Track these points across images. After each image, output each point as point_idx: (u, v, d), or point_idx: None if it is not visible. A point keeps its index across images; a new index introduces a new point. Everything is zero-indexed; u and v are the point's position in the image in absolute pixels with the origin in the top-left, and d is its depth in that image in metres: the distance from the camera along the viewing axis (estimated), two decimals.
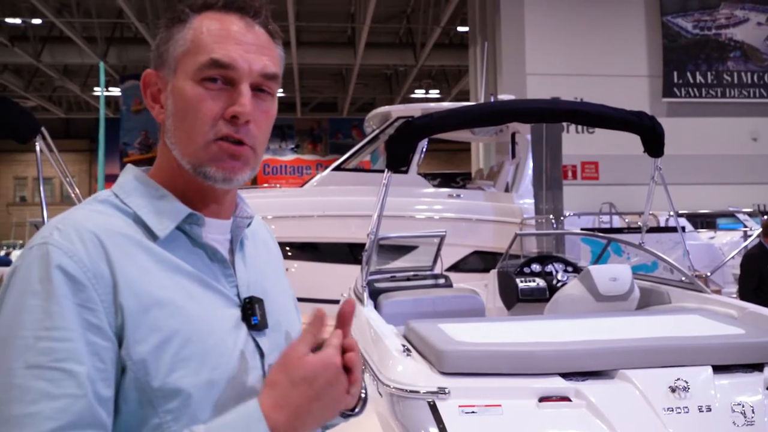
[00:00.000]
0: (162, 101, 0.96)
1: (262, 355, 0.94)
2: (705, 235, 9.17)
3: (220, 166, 0.91)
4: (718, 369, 2.35)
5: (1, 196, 31.10)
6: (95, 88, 21.85)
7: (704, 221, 11.96)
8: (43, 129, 2.97)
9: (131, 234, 0.88)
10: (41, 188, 3.26)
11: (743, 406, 2.23)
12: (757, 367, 2.40)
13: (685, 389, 2.23)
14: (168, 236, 0.90)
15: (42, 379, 0.77)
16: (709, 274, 6.50)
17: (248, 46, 0.92)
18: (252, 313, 0.93)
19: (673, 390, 2.23)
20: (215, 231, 0.97)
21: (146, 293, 0.85)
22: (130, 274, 0.85)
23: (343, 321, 0.94)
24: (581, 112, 3.45)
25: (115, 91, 21.09)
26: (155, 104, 0.97)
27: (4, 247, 22.23)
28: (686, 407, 2.20)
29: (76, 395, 0.77)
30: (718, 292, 6.09)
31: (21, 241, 24.78)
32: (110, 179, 20.98)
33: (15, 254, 20.53)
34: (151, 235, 0.90)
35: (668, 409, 2.20)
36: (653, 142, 3.59)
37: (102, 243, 0.85)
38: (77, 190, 3.67)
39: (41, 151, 3.22)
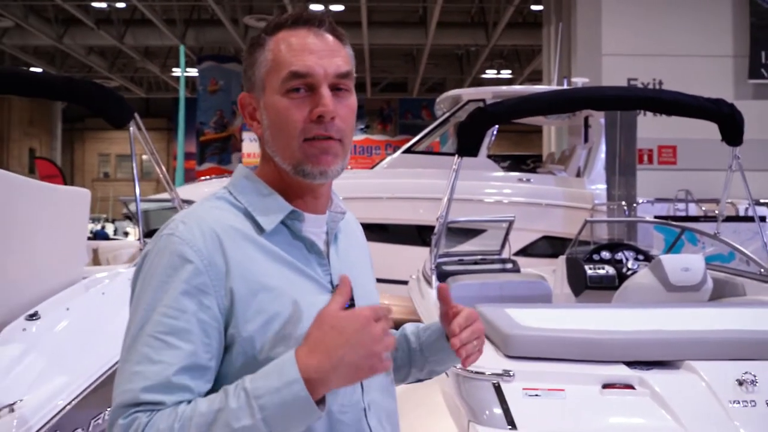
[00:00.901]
0: (258, 118, 1.09)
1: None
2: None
3: (316, 163, 1.04)
4: None
5: (86, 171, 32.71)
6: (174, 69, 22.61)
7: None
8: (136, 115, 3.19)
9: (242, 228, 1.03)
10: (134, 168, 3.49)
11: None
12: None
13: (753, 383, 2.23)
14: (273, 230, 1.05)
15: (148, 347, 0.93)
16: None
17: (320, 52, 1.04)
18: None
19: (740, 383, 2.23)
20: (313, 225, 1.09)
21: (254, 280, 0.99)
22: (241, 263, 1.00)
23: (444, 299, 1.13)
24: (656, 100, 3.41)
25: (193, 72, 21.75)
26: (253, 121, 1.10)
27: (92, 221, 23.41)
28: (753, 401, 2.20)
29: (170, 363, 0.92)
30: None
31: (105, 215, 26.04)
32: (188, 157, 21.73)
33: (108, 227, 21.64)
34: (259, 228, 1.04)
35: (734, 401, 2.20)
36: (732, 130, 3.51)
37: (218, 236, 1.00)
38: (164, 169, 3.89)
39: (134, 133, 3.43)
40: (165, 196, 4.97)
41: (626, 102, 3.56)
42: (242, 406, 0.87)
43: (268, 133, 1.07)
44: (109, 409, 0.95)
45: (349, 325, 0.91)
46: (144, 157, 3.75)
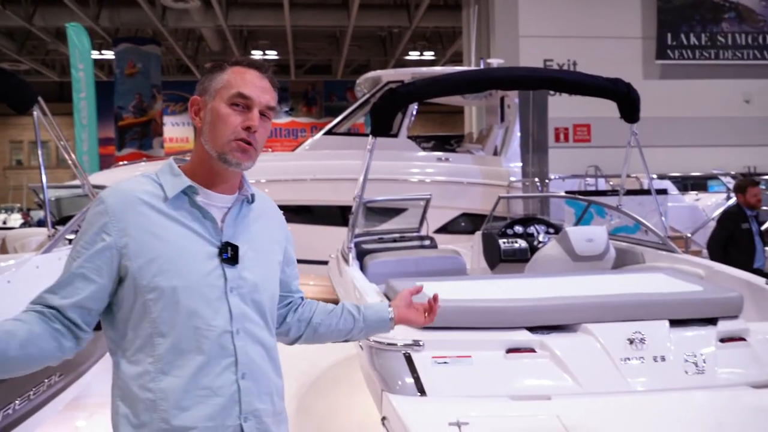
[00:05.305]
0: (201, 115, 1.51)
1: (225, 279, 1.44)
2: (691, 197, 9.33)
3: (236, 156, 1.47)
4: (675, 323, 2.53)
5: None
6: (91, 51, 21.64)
7: (695, 183, 12.08)
8: (39, 99, 3.09)
9: (155, 193, 1.45)
10: (39, 154, 3.38)
11: (695, 357, 2.41)
12: (712, 322, 2.58)
13: (642, 341, 2.41)
14: (176, 199, 1.46)
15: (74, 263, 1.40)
16: (690, 234, 6.69)
17: (260, 88, 1.50)
18: (224, 251, 1.46)
19: (630, 342, 2.41)
20: (218, 201, 1.50)
21: (145, 229, 1.41)
22: (138, 219, 1.42)
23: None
24: (558, 80, 3.57)
25: (108, 54, 20.90)
26: (196, 117, 1.53)
27: (6, 211, 22.19)
28: (642, 357, 2.39)
29: (74, 273, 1.39)
30: (698, 252, 6.28)
31: (18, 205, 24.81)
32: (107, 143, 20.93)
33: (13, 217, 20.57)
34: (165, 196, 1.45)
35: (625, 359, 2.38)
36: (629, 108, 3.72)
37: (131, 201, 1.42)
38: (73, 156, 3.79)
39: (38, 117, 3.32)
40: (77, 182, 4.82)
41: (530, 82, 3.71)
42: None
43: (207, 127, 1.49)
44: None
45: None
46: (61, 143, 3.63)
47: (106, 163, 15.67)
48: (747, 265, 4.96)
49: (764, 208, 7.86)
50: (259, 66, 1.53)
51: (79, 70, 13.77)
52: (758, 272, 4.46)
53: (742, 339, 2.50)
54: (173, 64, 25.79)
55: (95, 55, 17.88)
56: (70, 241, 3.68)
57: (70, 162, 3.64)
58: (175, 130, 26.39)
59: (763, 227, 5.64)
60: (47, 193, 3.43)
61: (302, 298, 1.74)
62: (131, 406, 1.39)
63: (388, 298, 2.80)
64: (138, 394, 1.38)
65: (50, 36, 20.04)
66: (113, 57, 19.68)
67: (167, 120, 24.20)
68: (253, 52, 22.90)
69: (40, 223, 14.81)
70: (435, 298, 1.76)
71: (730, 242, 5.38)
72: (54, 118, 3.67)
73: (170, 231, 1.43)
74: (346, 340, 1.79)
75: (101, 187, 4.54)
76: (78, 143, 13.82)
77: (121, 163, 8.98)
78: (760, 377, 2.35)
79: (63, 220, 4.73)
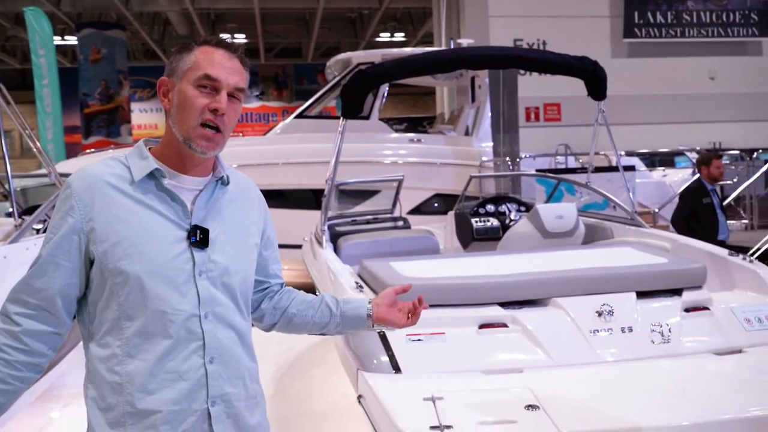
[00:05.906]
0: (169, 97, 1.47)
1: (194, 263, 1.42)
2: (658, 173, 9.49)
3: (200, 144, 1.43)
4: (642, 295, 2.60)
5: None
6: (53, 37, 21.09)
7: (662, 159, 12.29)
8: (1, 86, 3.02)
9: (122, 175, 1.43)
10: (3, 143, 3.32)
11: (662, 326, 2.48)
12: (677, 292, 2.65)
13: (610, 313, 2.47)
14: (142, 182, 1.43)
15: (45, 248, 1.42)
16: (657, 209, 6.83)
17: (228, 69, 1.45)
18: (193, 234, 1.43)
19: (599, 314, 2.47)
20: (188, 183, 1.47)
21: (110, 213, 1.40)
22: (104, 202, 1.40)
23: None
24: (526, 58, 3.59)
25: (71, 40, 20.41)
26: (164, 98, 1.49)
27: None
28: (610, 329, 2.45)
29: (45, 261, 1.40)
30: (666, 227, 6.41)
31: None
32: (73, 131, 20.51)
33: None
34: (132, 179, 1.43)
35: (594, 331, 2.44)
36: (596, 85, 3.77)
37: (96, 184, 1.40)
38: (39, 144, 3.72)
39: (0, 106, 3.26)
40: (43, 171, 4.74)
41: (499, 61, 3.73)
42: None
43: (174, 109, 1.45)
44: None
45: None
46: (26, 131, 3.56)
47: (72, 151, 15.36)
48: (710, 238, 5.09)
49: (727, 182, 8.06)
50: (227, 45, 1.48)
51: (40, 56, 13.38)
52: (722, 244, 4.58)
53: (706, 308, 2.58)
54: (139, 49, 25.31)
55: (57, 40, 17.47)
56: (38, 230, 3.63)
57: (35, 151, 3.59)
58: (144, 116, 25.97)
59: (726, 202, 5.79)
60: (12, 182, 3.37)
61: (282, 285, 1.71)
62: (99, 389, 1.39)
63: (362, 279, 2.82)
64: (105, 377, 1.38)
65: (9, 21, 19.50)
66: (76, 42, 19.23)
67: (135, 106, 23.79)
68: (221, 35, 22.55)
69: (9, 216, 14.50)
70: (420, 300, 1.66)
71: (692, 217, 5.51)
72: (16, 106, 3.59)
73: (136, 214, 1.40)
74: (322, 334, 1.74)
75: (68, 176, 4.47)
76: (42, 131, 13.48)
77: (88, 151, 8.84)
78: (723, 344, 2.44)
79: (30, 210, 4.66)
